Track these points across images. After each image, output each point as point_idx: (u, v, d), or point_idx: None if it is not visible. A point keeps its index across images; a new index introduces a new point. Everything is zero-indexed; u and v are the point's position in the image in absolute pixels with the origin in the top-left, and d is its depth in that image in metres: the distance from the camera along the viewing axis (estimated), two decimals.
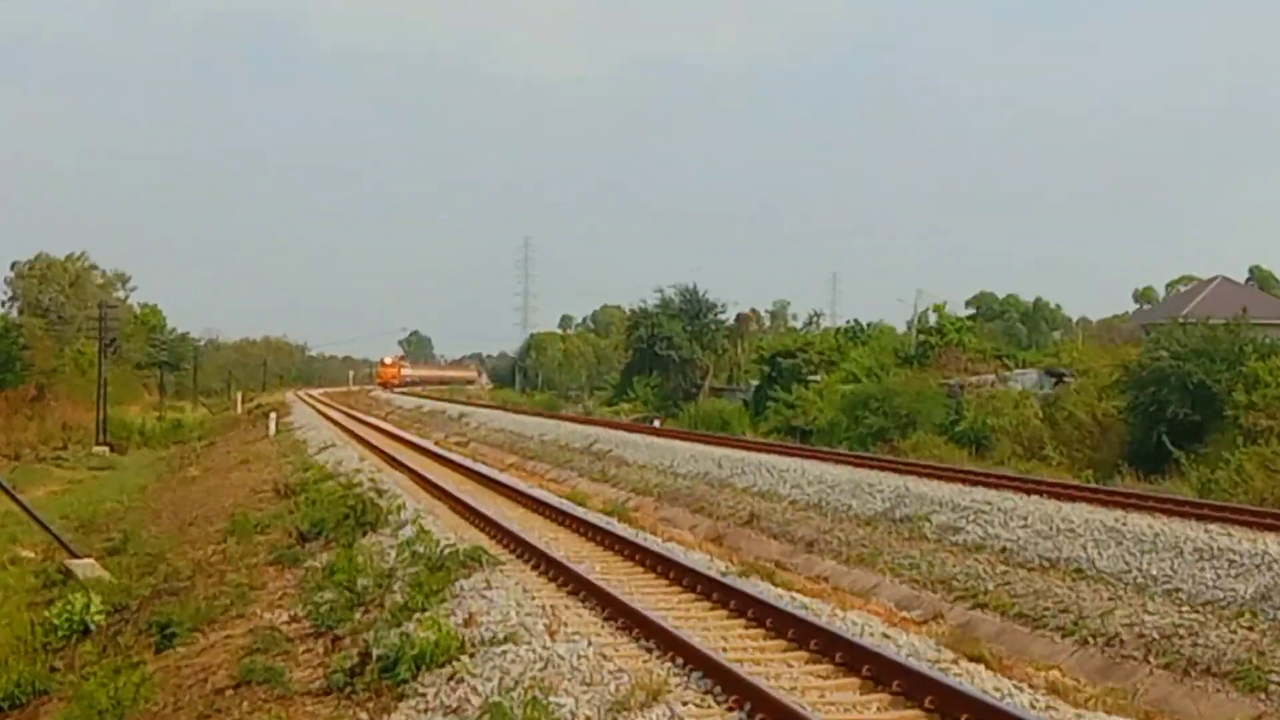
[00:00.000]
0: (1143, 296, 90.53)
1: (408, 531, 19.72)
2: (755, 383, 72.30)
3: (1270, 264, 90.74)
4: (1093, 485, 28.56)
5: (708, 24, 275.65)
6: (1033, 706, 10.55)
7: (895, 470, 30.08)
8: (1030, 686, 12.08)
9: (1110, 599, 17.03)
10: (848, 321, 78.81)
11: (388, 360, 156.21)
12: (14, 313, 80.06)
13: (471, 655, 11.95)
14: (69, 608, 19.83)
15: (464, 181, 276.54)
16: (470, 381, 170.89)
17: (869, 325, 75.38)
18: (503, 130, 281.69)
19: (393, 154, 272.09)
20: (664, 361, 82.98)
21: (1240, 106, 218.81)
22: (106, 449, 61.72)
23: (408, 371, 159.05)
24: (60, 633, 19.33)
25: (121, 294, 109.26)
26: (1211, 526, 19.56)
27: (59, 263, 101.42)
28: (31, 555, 27.62)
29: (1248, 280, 77.80)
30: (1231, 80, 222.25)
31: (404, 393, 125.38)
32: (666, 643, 11.98)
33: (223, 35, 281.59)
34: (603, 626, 13.26)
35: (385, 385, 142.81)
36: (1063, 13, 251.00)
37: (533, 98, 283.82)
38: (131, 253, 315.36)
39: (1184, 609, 16.07)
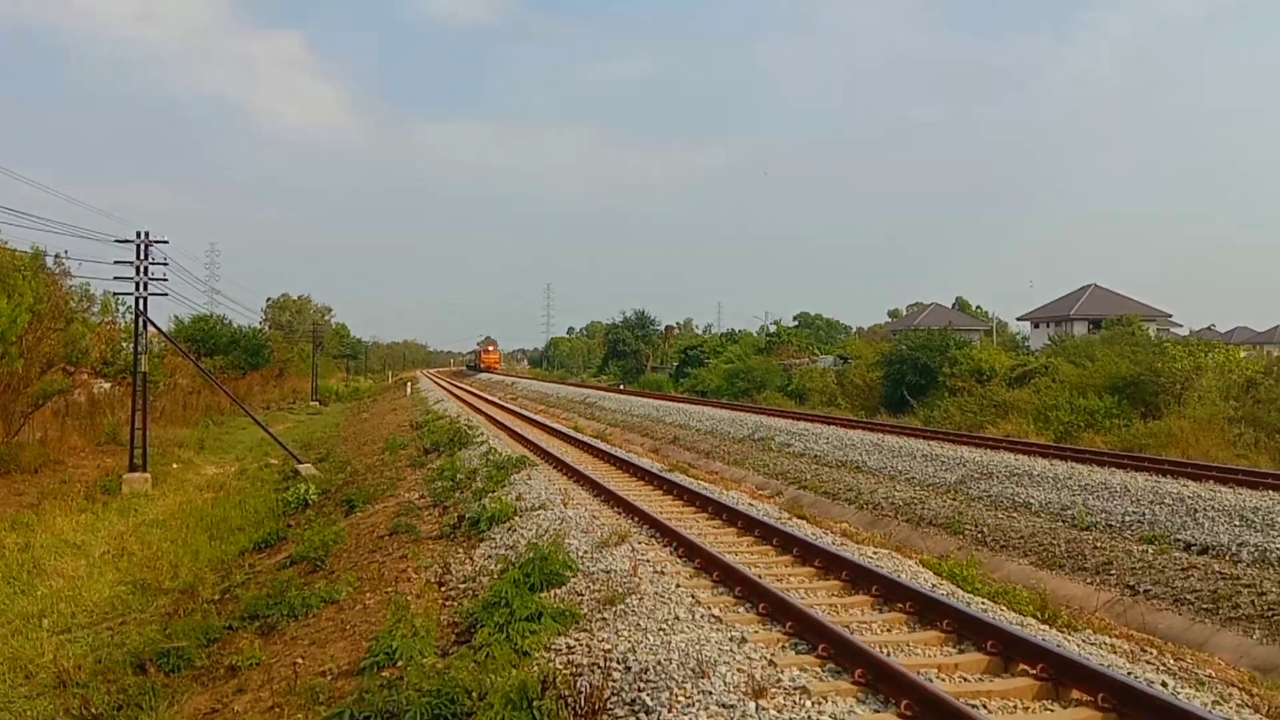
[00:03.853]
0: (893, 314, 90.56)
1: (484, 449, 19.50)
2: (675, 364, 72.15)
3: (968, 295, 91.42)
4: (865, 419, 28.59)
5: (645, 168, 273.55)
6: (834, 543, 10.45)
7: (754, 412, 29.97)
8: (831, 532, 12.05)
9: (875, 483, 16.94)
10: (727, 330, 78.88)
11: (491, 349, 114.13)
12: (266, 327, 78.88)
13: (520, 516, 11.78)
14: (297, 491, 19.90)
15: (517, 254, 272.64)
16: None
17: (739, 331, 75.27)
18: (536, 223, 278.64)
19: (479, 239, 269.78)
20: (624, 353, 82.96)
21: (952, 204, 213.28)
22: (317, 403, 60.86)
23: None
24: (292, 505, 19.32)
25: (327, 317, 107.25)
26: (931, 442, 19.69)
27: (292, 300, 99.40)
28: (275, 463, 27.44)
29: (953, 305, 78.37)
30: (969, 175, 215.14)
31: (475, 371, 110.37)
32: (629, 509, 11.80)
33: (385, 181, 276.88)
34: (594, 500, 13.06)
35: (489, 368, 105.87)
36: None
37: (551, 208, 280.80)
38: (335, 292, 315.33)
39: (917, 489, 16.04)
